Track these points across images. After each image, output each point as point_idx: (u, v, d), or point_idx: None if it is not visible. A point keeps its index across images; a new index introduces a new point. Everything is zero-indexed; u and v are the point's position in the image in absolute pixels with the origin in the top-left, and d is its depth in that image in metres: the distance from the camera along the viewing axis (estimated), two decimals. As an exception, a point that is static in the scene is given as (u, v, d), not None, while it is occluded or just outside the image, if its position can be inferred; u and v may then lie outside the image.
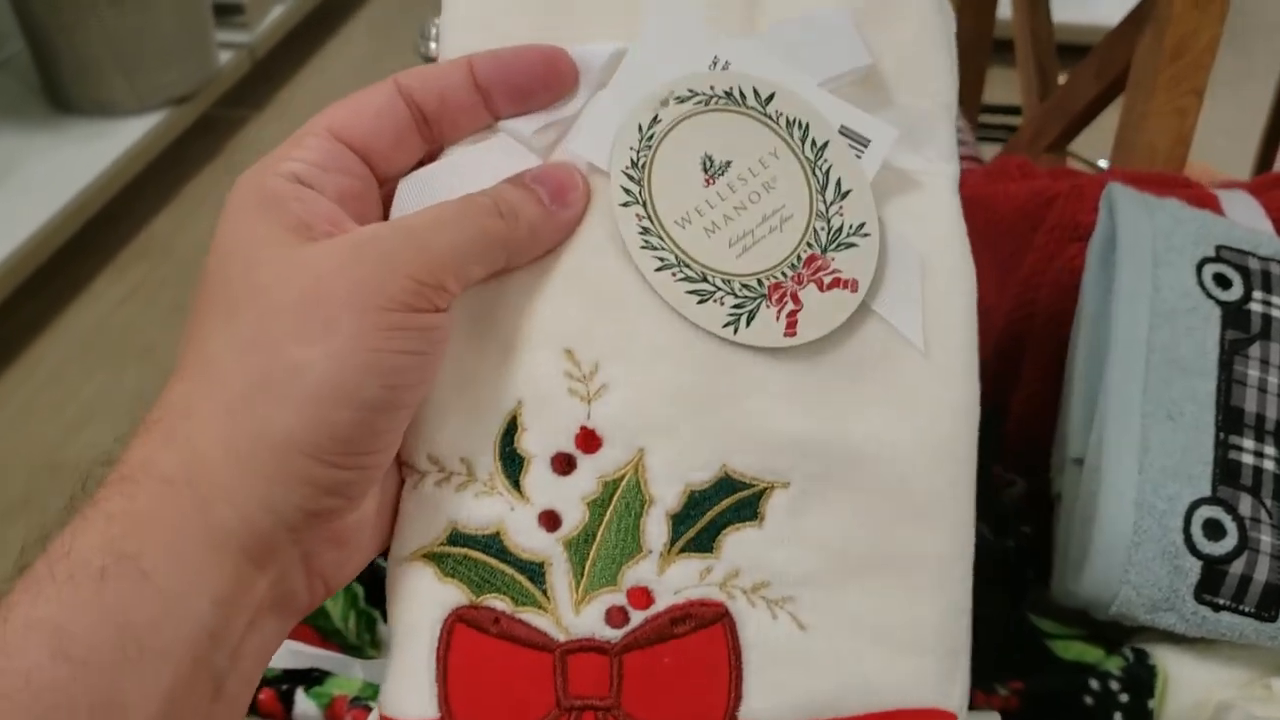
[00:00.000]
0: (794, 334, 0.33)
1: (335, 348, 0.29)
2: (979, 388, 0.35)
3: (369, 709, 0.42)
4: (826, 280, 0.33)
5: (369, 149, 0.33)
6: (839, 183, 0.33)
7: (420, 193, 0.33)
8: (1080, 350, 0.52)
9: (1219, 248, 0.51)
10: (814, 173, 0.33)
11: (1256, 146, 0.98)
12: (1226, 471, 0.47)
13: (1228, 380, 0.48)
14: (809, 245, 0.33)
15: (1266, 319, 0.50)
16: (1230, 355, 0.49)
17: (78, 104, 2.10)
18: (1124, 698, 0.45)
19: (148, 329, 1.90)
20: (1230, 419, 0.48)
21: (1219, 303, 0.50)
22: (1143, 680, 0.46)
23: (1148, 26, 0.66)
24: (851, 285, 0.33)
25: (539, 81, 0.34)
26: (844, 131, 0.34)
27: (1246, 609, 0.46)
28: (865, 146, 0.34)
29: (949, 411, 0.34)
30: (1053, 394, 0.55)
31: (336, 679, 0.44)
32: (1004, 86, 1.01)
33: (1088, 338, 0.52)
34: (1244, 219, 0.61)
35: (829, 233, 0.33)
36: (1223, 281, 0.50)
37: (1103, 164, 0.81)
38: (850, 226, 0.33)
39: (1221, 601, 0.46)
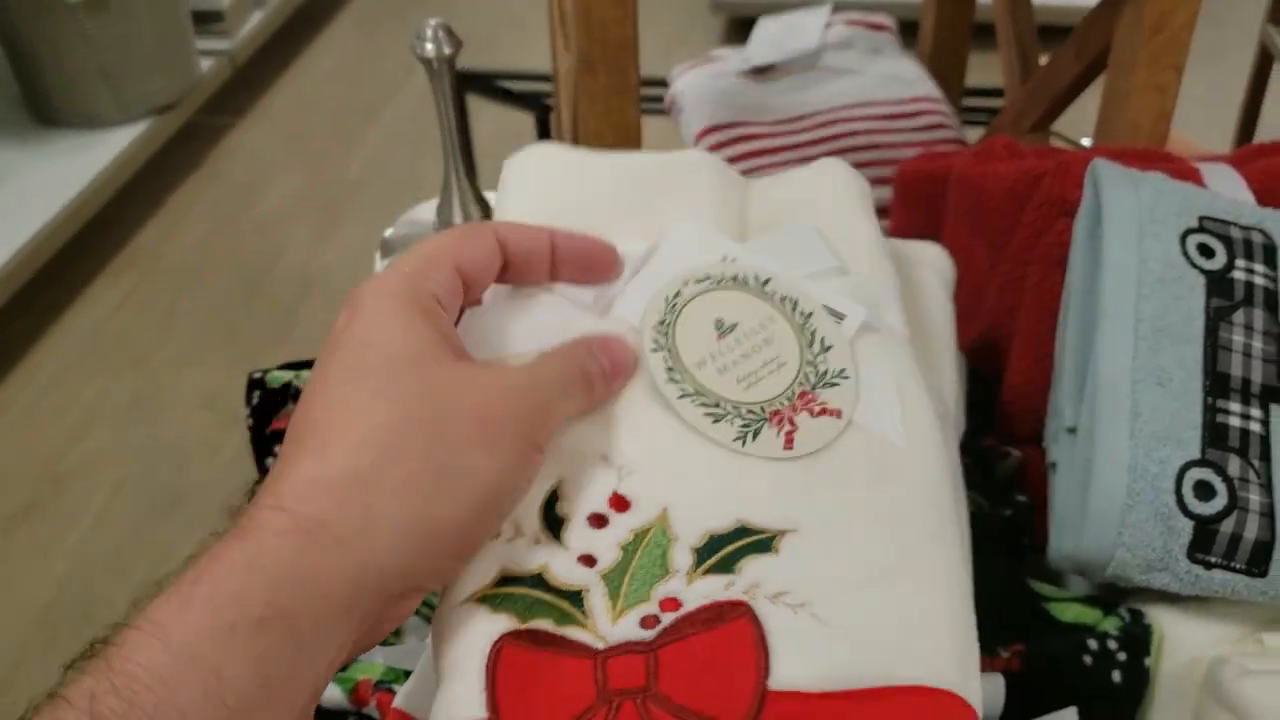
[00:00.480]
0: (791, 448, 0.40)
1: (499, 461, 0.36)
2: (956, 457, 0.45)
3: (392, 692, 0.43)
4: (816, 409, 0.41)
5: (470, 281, 0.40)
6: (823, 340, 0.43)
7: (491, 323, 0.42)
8: (1070, 322, 0.54)
9: (1202, 218, 0.53)
10: (803, 332, 0.43)
11: (1236, 119, 1.00)
12: (1215, 434, 0.48)
13: (1214, 346, 0.50)
14: (801, 384, 0.42)
15: (1249, 286, 0.51)
16: (1215, 322, 0.50)
17: (62, 116, 2.10)
18: (1122, 656, 0.47)
19: (142, 335, 1.90)
20: (1217, 383, 0.49)
21: (1203, 271, 0.51)
22: (1139, 639, 0.47)
23: (1126, 5, 0.68)
24: (836, 413, 0.41)
25: (599, 265, 0.43)
26: (826, 307, 0.44)
27: (1238, 566, 0.47)
28: (843, 318, 0.44)
29: (927, 479, 0.40)
30: (1045, 366, 0.56)
31: (360, 664, 0.45)
32: (986, 70, 1.02)
33: (1077, 310, 0.53)
34: (1226, 191, 0.63)
35: (816, 375, 0.42)
36: (1206, 251, 0.52)
37: (1086, 143, 0.82)
38: (833, 371, 0.42)
39: (1213, 560, 0.47)
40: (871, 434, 0.41)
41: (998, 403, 0.61)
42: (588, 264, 0.43)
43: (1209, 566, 0.47)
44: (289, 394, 0.58)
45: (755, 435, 0.40)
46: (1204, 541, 0.47)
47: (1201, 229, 0.52)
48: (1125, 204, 0.52)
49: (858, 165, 0.84)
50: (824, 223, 0.47)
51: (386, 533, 0.33)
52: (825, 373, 0.42)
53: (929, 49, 0.95)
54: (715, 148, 0.86)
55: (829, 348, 0.43)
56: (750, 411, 0.41)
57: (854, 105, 0.88)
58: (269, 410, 0.59)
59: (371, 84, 2.35)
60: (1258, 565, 0.47)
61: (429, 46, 0.57)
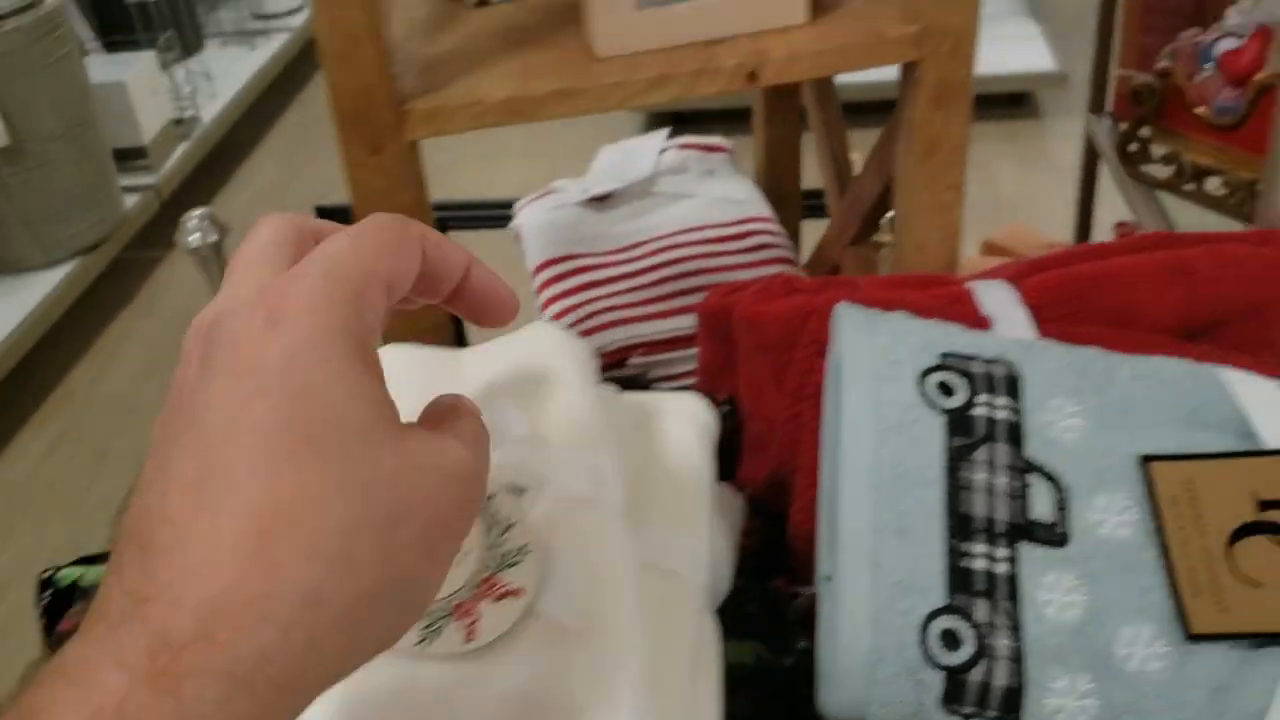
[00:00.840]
0: (473, 639, 0.40)
1: (439, 574, 0.31)
2: (692, 617, 0.47)
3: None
4: (499, 592, 0.41)
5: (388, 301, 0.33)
6: (505, 520, 0.43)
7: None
8: (825, 468, 0.54)
9: (944, 355, 0.53)
10: (484, 516, 0.43)
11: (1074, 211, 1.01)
12: (959, 579, 0.48)
13: (954, 487, 0.50)
14: (483, 570, 0.42)
15: (991, 421, 0.52)
16: (955, 462, 0.50)
17: (-16, 264, 2.11)
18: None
19: (73, 480, 1.90)
20: (959, 526, 0.49)
21: (943, 411, 0.52)
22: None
23: (900, 130, 0.69)
24: (518, 592, 0.41)
25: (498, 309, 0.38)
26: (507, 485, 0.44)
27: (991, 714, 0.47)
28: (523, 492, 0.44)
29: (608, 657, 0.40)
30: (819, 507, 0.57)
31: None
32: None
33: (828, 455, 0.54)
34: (998, 309, 0.64)
35: (498, 559, 0.42)
36: (947, 389, 0.52)
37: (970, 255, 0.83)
38: (513, 550, 0.42)
39: (968, 710, 0.47)
40: (550, 615, 0.41)
41: (787, 540, 0.61)
42: (488, 304, 0.37)
43: (966, 718, 0.47)
44: (76, 593, 0.58)
45: (437, 634, 0.40)
46: (955, 692, 0.47)
47: (942, 366, 0.53)
48: (861, 350, 0.53)
49: (688, 290, 0.86)
50: (530, 389, 0.47)
51: (322, 673, 0.27)
52: (506, 553, 0.42)
53: (763, 162, 0.97)
54: (551, 281, 0.87)
55: (510, 526, 0.43)
56: (434, 610, 0.41)
57: (684, 230, 0.89)
58: (58, 611, 0.58)
59: (294, 209, 2.37)
60: (1010, 712, 0.47)
61: (192, 239, 0.58)
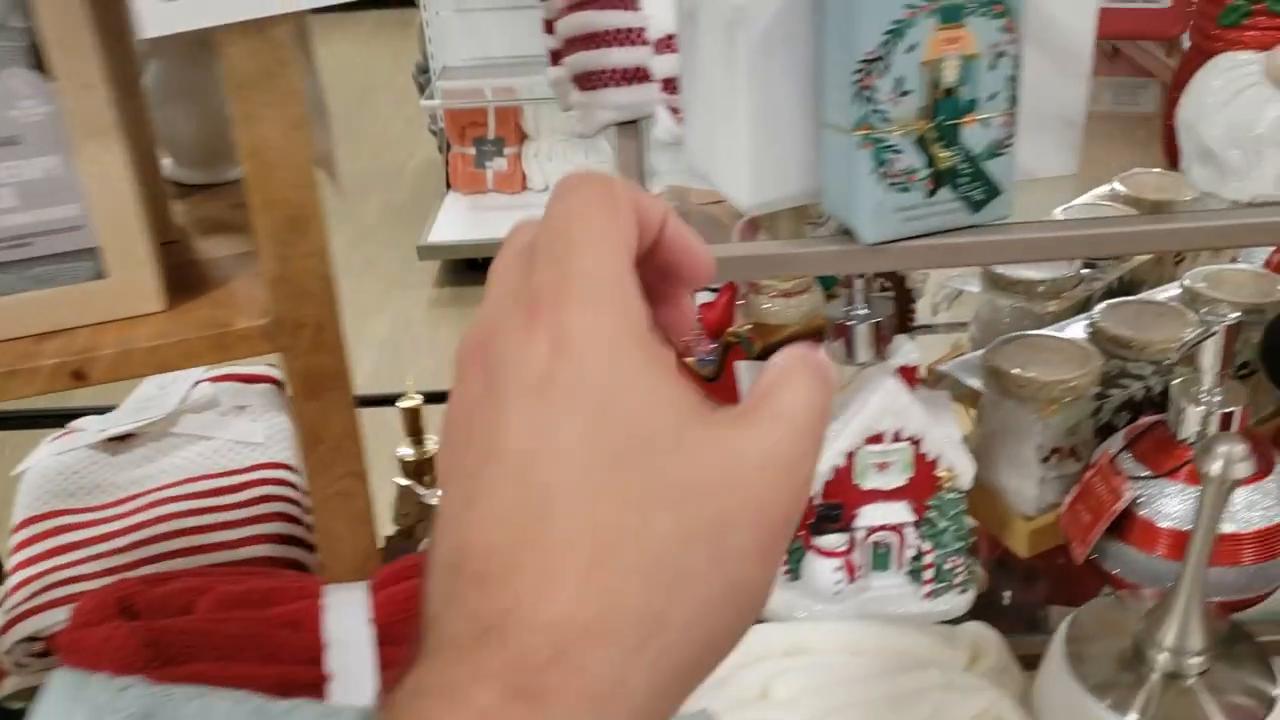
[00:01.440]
0: None
1: (771, 574, 0.28)
2: None
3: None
4: None
5: None
6: None
7: None
8: None
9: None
10: None
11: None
12: None
13: None
14: None
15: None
16: None
17: None
18: None
19: None
20: None
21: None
22: None
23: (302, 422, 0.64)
24: None
25: (693, 273, 0.33)
26: None
27: None
28: None
29: None
30: None
31: None
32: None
33: None
34: (344, 630, 0.58)
35: None
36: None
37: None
38: None
39: None
40: None
41: None
42: (685, 258, 0.32)
43: None
44: None
45: None
46: None
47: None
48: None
49: (166, 555, 0.79)
50: None
51: (677, 688, 0.26)
52: None
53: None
54: (24, 544, 0.80)
55: None
56: None
57: (181, 481, 0.83)
58: None
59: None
60: None
61: None
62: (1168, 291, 0.82)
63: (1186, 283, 0.79)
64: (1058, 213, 0.77)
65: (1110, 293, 0.83)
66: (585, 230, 0.28)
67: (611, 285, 0.28)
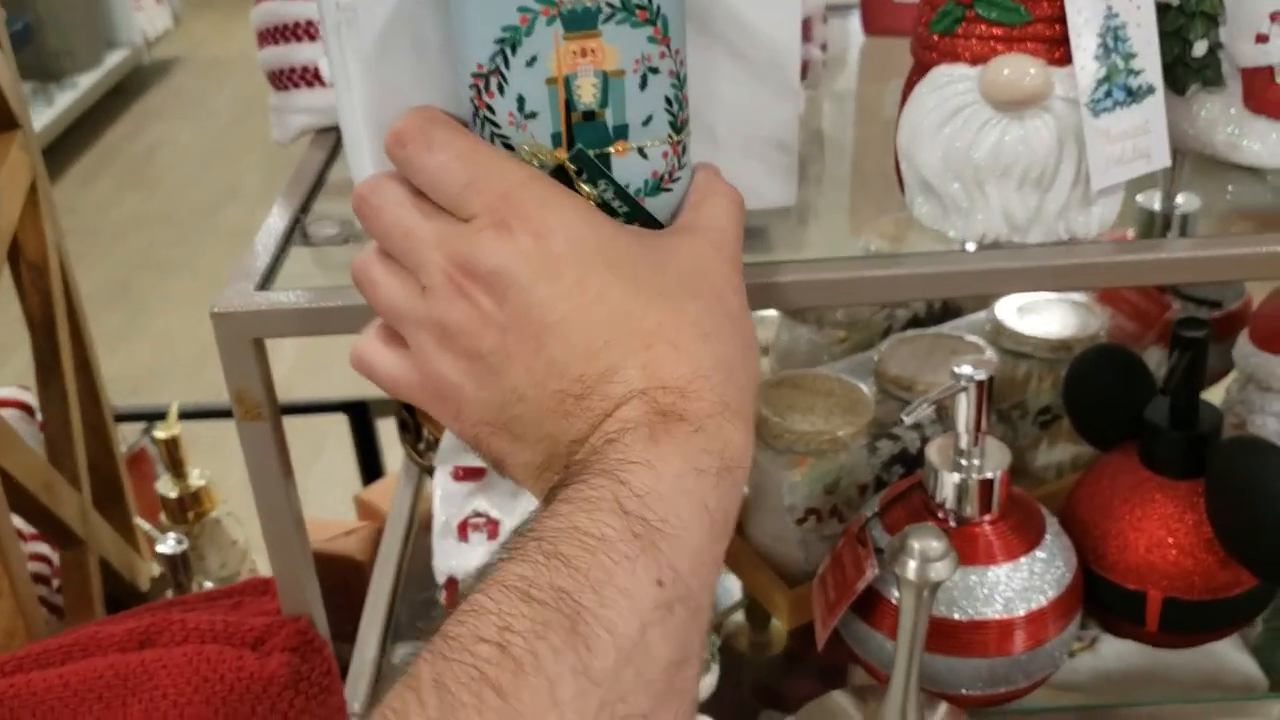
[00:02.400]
0: None
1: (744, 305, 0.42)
2: None
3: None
4: None
5: None
6: None
7: None
8: None
9: None
10: None
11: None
12: None
13: None
14: None
15: None
16: None
17: None
18: None
19: None
20: None
21: None
22: None
23: None
24: None
25: None
26: None
27: None
28: None
29: None
30: None
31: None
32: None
33: None
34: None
35: None
36: None
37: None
38: None
39: None
40: None
41: None
42: None
43: None
44: None
45: None
46: None
47: None
48: None
49: None
50: None
51: (742, 401, 0.38)
52: None
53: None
54: None
55: None
56: None
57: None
58: None
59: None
60: None
61: None
62: (978, 319, 0.73)
63: (996, 312, 0.70)
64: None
65: (916, 323, 0.74)
66: (475, 157, 0.40)
67: (535, 179, 0.39)
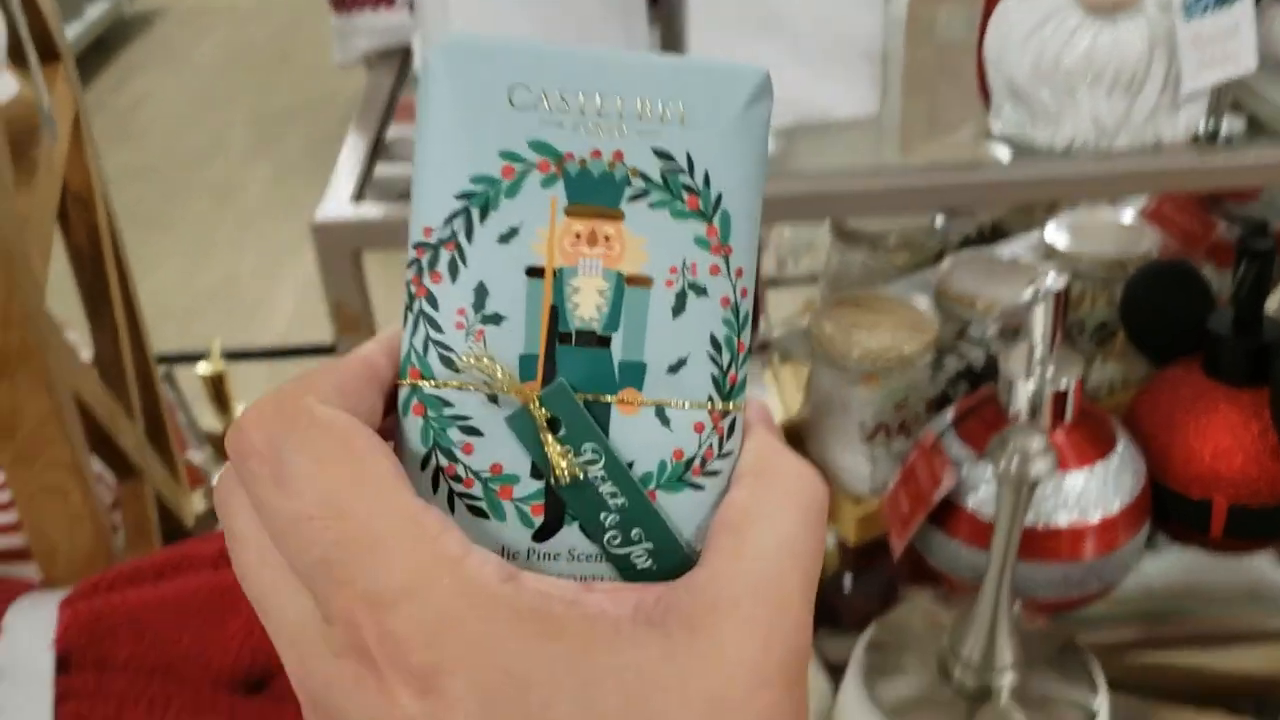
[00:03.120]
0: None
1: None
2: None
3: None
4: None
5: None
6: None
7: None
8: None
9: None
10: None
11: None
12: None
13: None
14: None
15: None
16: None
17: None
18: None
19: None
20: None
21: None
22: None
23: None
24: None
25: None
26: None
27: None
28: None
29: None
30: None
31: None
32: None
33: None
34: (18, 656, 0.50)
35: None
36: None
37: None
38: None
39: None
40: None
41: None
42: None
43: None
44: None
45: None
46: None
47: None
48: None
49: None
50: None
51: None
52: None
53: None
54: None
55: None
56: None
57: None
58: None
59: None
60: None
61: None
62: (1029, 242, 0.73)
63: (1047, 234, 0.71)
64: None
65: (968, 244, 0.75)
66: (345, 504, 0.23)
67: (439, 561, 0.23)
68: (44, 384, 0.55)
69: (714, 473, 0.28)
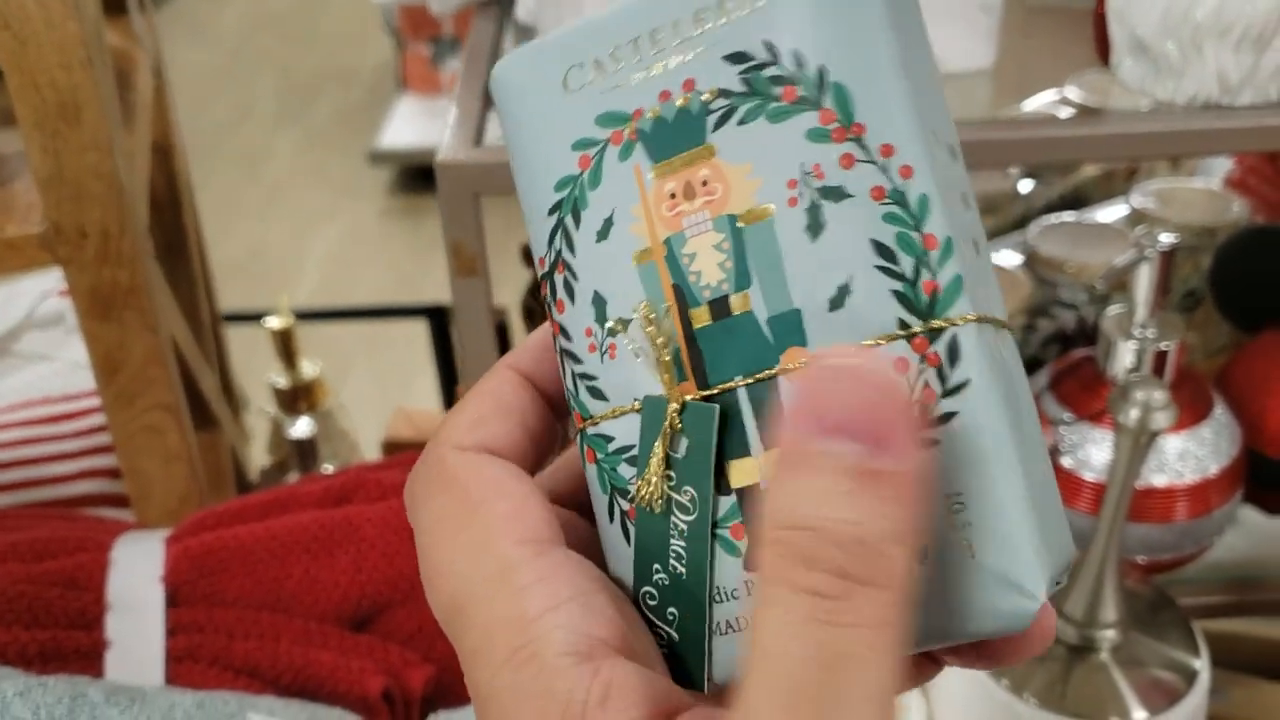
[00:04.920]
0: None
1: None
2: None
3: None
4: None
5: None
6: None
7: None
8: None
9: None
10: None
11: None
12: None
13: None
14: None
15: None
16: None
17: None
18: None
19: None
20: None
21: None
22: None
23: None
24: None
25: None
26: None
27: None
28: None
29: None
30: None
31: None
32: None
33: None
34: (128, 590, 0.51)
35: None
36: None
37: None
38: None
39: None
40: None
41: None
42: None
43: None
44: None
45: None
46: None
47: None
48: None
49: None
50: None
51: None
52: None
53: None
54: None
55: None
56: None
57: (18, 406, 0.74)
58: None
59: None
60: None
61: None
62: (1114, 210, 0.73)
63: (1133, 200, 0.71)
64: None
65: (1050, 210, 0.74)
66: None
67: (493, 636, 0.21)
68: (150, 324, 0.55)
69: (949, 415, 0.21)
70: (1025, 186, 0.75)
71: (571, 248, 0.23)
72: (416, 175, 2.70)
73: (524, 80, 0.24)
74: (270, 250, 2.47)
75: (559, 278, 0.24)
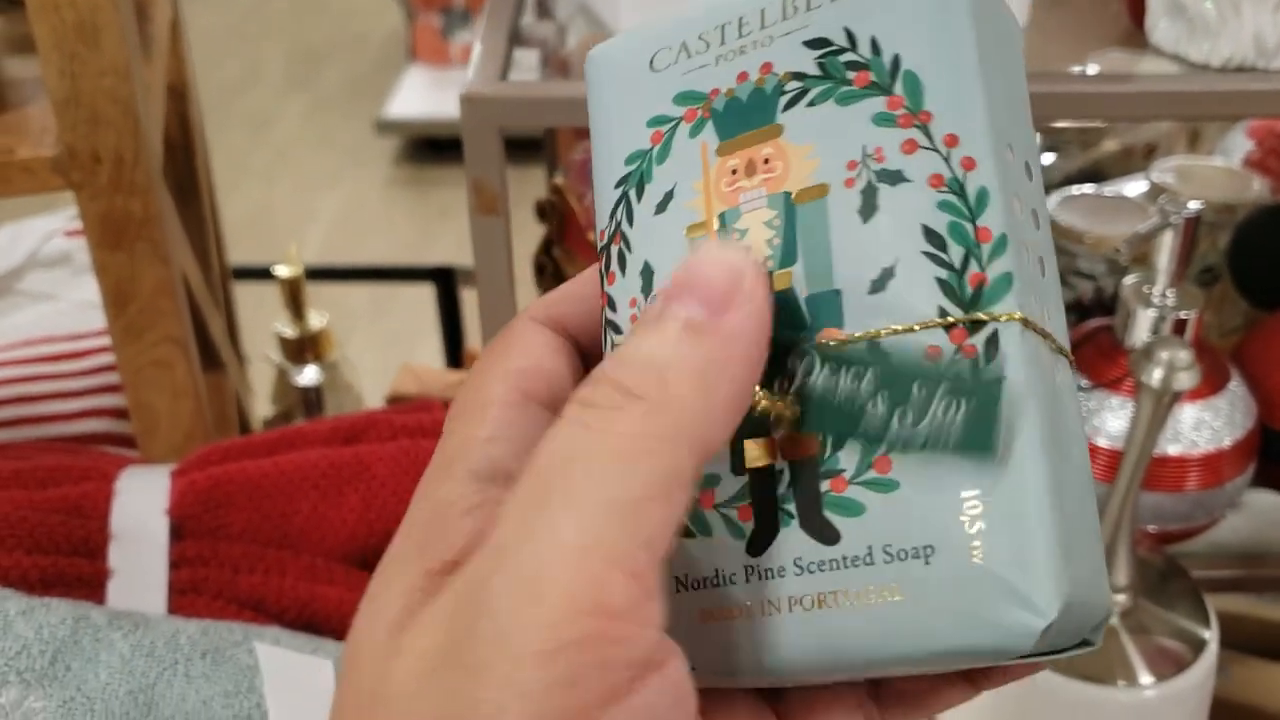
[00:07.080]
0: None
1: None
2: None
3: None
4: None
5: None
6: None
7: None
8: None
9: None
10: None
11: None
12: None
13: None
14: None
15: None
16: None
17: None
18: None
19: None
20: None
21: None
22: None
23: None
24: None
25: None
26: None
27: None
28: None
29: None
30: None
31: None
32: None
33: None
34: (132, 521, 0.50)
35: None
36: None
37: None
38: None
39: None
40: None
41: None
42: None
43: None
44: None
45: None
46: None
47: None
48: None
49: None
50: None
51: None
52: None
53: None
54: None
55: None
56: None
57: (21, 344, 0.74)
58: None
59: None
60: None
61: None
62: (1134, 185, 0.72)
63: (1153, 176, 0.70)
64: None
65: (1069, 183, 0.74)
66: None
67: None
68: (161, 255, 0.54)
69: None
70: (1046, 159, 0.74)
71: (631, 220, 0.24)
72: (423, 146, 2.69)
73: (615, 60, 0.25)
74: (275, 213, 2.46)
75: (615, 249, 0.24)
